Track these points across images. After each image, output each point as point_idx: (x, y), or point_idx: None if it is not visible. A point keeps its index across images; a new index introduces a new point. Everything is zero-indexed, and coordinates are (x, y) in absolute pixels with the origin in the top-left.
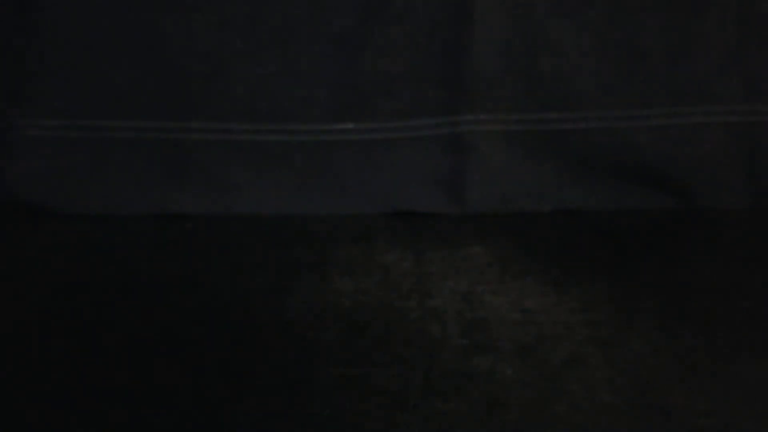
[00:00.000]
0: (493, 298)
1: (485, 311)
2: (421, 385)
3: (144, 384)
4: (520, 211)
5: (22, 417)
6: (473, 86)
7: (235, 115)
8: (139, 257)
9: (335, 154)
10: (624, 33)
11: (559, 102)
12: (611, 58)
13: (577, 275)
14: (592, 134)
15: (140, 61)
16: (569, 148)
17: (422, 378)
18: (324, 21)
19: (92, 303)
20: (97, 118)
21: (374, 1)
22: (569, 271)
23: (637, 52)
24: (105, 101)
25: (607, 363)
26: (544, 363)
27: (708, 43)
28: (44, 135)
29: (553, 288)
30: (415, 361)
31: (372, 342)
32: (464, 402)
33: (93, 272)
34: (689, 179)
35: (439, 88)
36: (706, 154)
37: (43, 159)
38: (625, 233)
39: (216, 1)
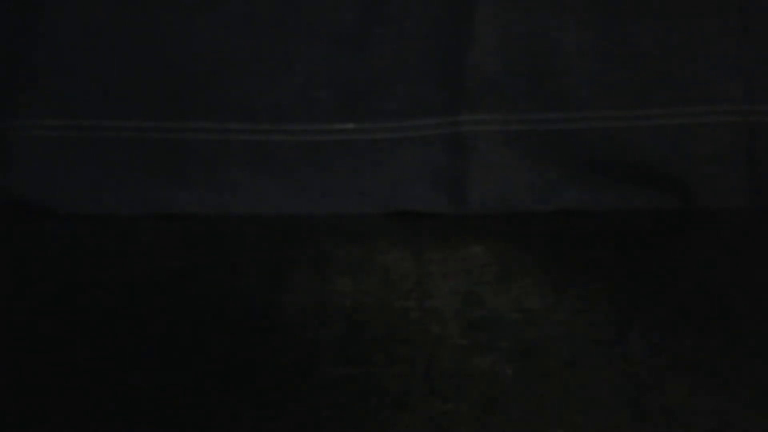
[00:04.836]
0: (493, 298)
1: (485, 311)
2: (421, 385)
3: (143, 383)
4: (520, 211)
5: (22, 416)
6: (473, 86)
7: (235, 115)
8: (139, 257)
9: (335, 154)
10: (624, 33)
11: (559, 102)
12: (611, 58)
13: (577, 275)
14: (592, 134)
15: (140, 61)
16: (569, 148)
17: (422, 378)
18: (324, 21)
19: (92, 303)
20: (97, 118)
21: (374, 0)
22: (569, 271)
23: (637, 52)
24: (105, 101)
25: (607, 363)
26: (544, 363)
27: (708, 43)
28: (44, 135)
29: (553, 288)
30: (415, 361)
31: (372, 342)
32: (464, 402)
33: (93, 272)
34: (689, 179)
35: (439, 88)
36: (706, 154)
37: (43, 159)
38: (625, 233)
39: (216, 1)
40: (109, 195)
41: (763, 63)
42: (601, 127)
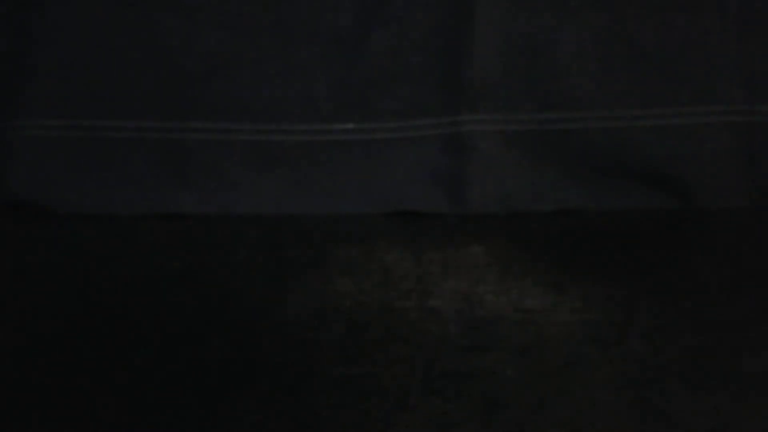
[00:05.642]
0: (493, 298)
1: (485, 311)
2: (421, 385)
3: (143, 384)
4: (520, 211)
5: (22, 416)
6: (473, 86)
7: (235, 115)
8: (139, 257)
9: (335, 154)
10: (624, 33)
11: (559, 102)
12: (611, 58)
13: (577, 275)
14: (592, 134)
15: (140, 61)
16: (569, 148)
17: (422, 378)
18: (324, 21)
19: (92, 303)
20: (97, 118)
21: (374, 0)
22: (569, 271)
23: (637, 52)
24: (105, 101)
25: (607, 363)
26: (544, 363)
27: (708, 43)
28: (44, 135)
29: (553, 288)
30: (415, 361)
31: (372, 342)
32: (464, 402)
33: (93, 272)
34: (689, 179)
35: (439, 88)
36: (706, 154)
37: (43, 159)
38: (625, 233)
39: (216, 1)
40: (109, 195)
41: (763, 63)
42: (601, 127)
